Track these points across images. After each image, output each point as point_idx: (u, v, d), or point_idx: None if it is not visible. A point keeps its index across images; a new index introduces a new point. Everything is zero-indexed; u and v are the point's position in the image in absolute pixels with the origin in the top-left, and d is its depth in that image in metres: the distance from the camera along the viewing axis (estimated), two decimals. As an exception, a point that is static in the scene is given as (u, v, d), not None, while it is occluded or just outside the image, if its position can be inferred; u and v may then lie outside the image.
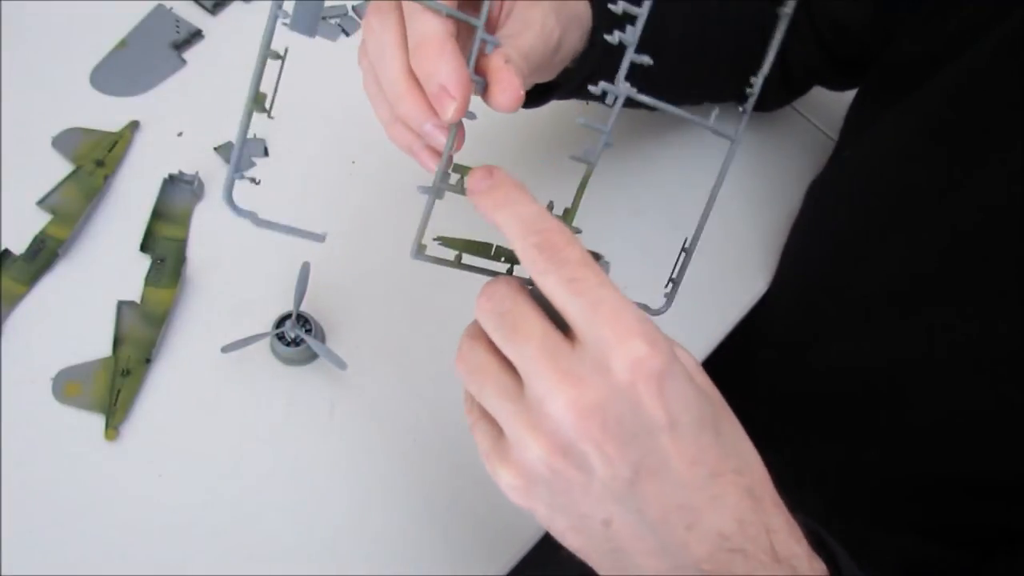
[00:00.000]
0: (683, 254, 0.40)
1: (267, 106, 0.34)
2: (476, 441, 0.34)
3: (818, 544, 0.34)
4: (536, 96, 0.49)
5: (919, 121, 0.51)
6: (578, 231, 0.40)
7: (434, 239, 0.39)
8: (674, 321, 0.62)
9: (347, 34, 0.70)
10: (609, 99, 0.36)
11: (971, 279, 0.47)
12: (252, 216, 0.37)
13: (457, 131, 0.37)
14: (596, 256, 0.36)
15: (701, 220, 0.39)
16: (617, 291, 0.30)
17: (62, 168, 0.61)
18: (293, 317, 0.55)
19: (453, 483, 0.54)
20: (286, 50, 0.35)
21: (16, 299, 0.56)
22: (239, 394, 0.55)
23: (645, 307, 0.40)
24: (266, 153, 0.64)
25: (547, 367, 0.30)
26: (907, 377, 0.51)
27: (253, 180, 0.36)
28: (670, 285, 0.41)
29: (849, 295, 0.56)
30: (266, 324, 0.56)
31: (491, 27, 0.40)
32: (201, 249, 0.60)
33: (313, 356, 0.57)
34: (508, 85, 0.35)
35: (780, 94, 0.68)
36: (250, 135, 0.64)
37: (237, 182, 0.35)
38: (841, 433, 0.58)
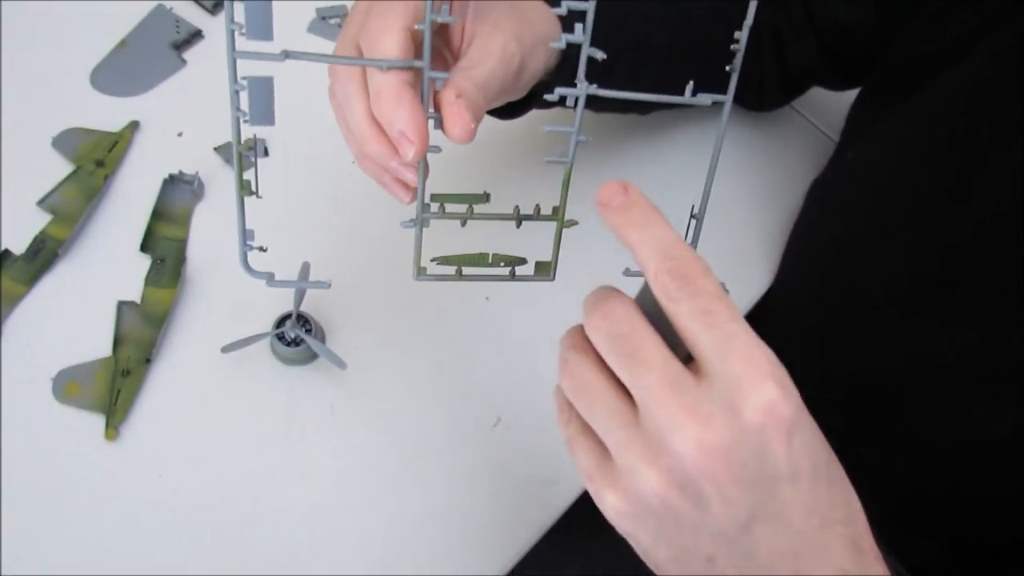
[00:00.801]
0: (692, 220, 0.40)
1: (254, 189, 0.40)
2: (575, 457, 0.33)
3: None
4: (512, 109, 0.50)
5: (923, 123, 0.51)
6: (574, 223, 0.41)
7: (432, 260, 0.41)
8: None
9: (347, 34, 0.70)
10: (569, 101, 0.37)
11: (974, 281, 0.47)
12: (268, 277, 0.42)
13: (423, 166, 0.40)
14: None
15: (707, 183, 0.39)
16: (750, 329, 0.29)
17: (62, 168, 0.61)
18: (293, 317, 0.55)
19: (453, 483, 0.54)
20: (264, 147, 0.38)
21: (16, 299, 0.56)
22: (239, 394, 0.55)
23: None
24: (266, 153, 0.64)
25: (671, 400, 0.29)
26: (911, 379, 0.51)
27: (261, 249, 0.40)
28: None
29: (852, 296, 0.56)
30: (266, 324, 0.56)
31: (454, 54, 0.43)
32: (201, 249, 0.60)
33: (313, 356, 0.57)
34: (458, 119, 0.37)
35: (779, 93, 0.68)
36: (249, 135, 0.64)
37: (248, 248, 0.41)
38: (846, 435, 0.58)
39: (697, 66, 0.60)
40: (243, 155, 0.38)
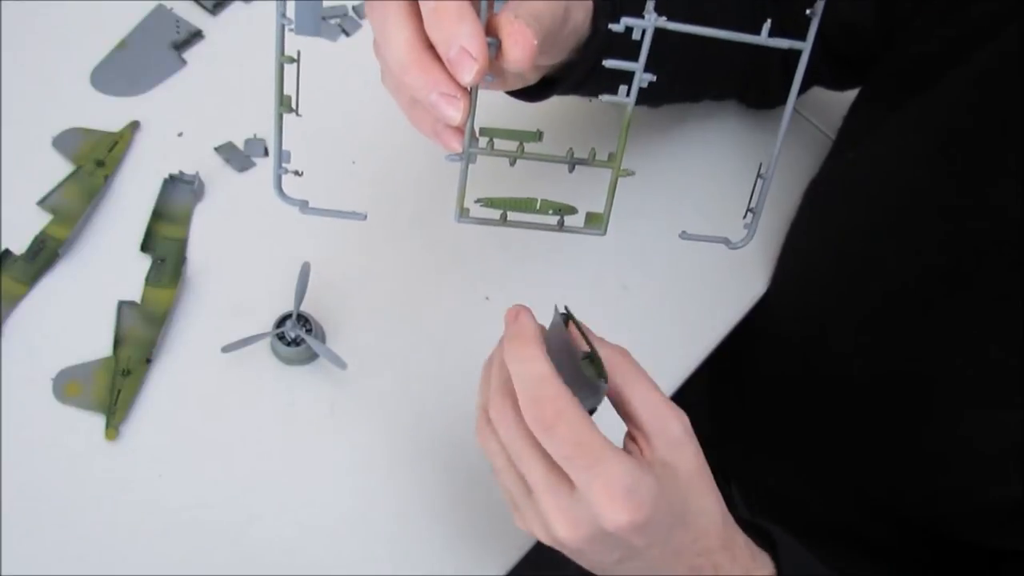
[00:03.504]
0: (759, 180, 0.39)
1: (294, 106, 0.37)
2: (503, 487, 0.41)
3: (765, 539, 0.43)
4: (537, 91, 0.49)
5: (926, 124, 0.51)
6: (631, 173, 0.39)
7: (476, 201, 0.39)
8: (674, 321, 0.62)
9: (347, 34, 0.70)
10: (636, 34, 0.35)
11: (977, 282, 0.47)
12: (302, 204, 0.39)
13: (465, 97, 0.36)
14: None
15: (779, 141, 0.38)
16: (608, 454, 0.36)
17: (62, 168, 0.61)
18: (293, 317, 0.55)
19: (453, 483, 0.54)
20: (299, 53, 0.36)
21: (16, 299, 0.56)
22: (239, 394, 0.55)
23: (726, 240, 0.41)
24: (266, 153, 0.64)
25: (550, 500, 0.37)
26: (910, 380, 0.51)
27: (297, 172, 0.38)
28: (749, 215, 0.40)
29: (850, 296, 0.56)
30: (266, 324, 0.56)
31: None
32: (201, 249, 0.60)
33: (313, 356, 0.57)
34: (520, 38, 0.35)
35: (782, 91, 0.67)
36: (250, 135, 0.64)
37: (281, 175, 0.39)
38: (843, 435, 0.58)
39: (709, 66, 0.60)
40: (281, 145, 0.37)
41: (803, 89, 0.69)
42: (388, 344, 0.58)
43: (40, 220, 0.59)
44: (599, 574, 0.42)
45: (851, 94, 0.63)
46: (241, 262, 0.60)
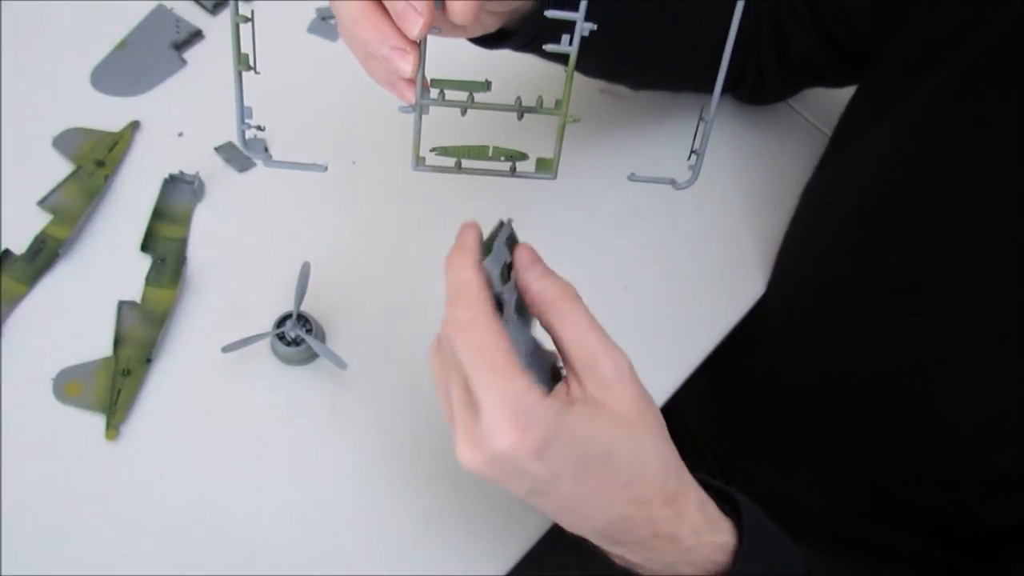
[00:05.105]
0: (701, 123, 0.40)
1: (251, 64, 0.39)
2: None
3: (730, 505, 0.42)
4: (490, 41, 0.50)
5: (917, 114, 0.51)
6: (576, 120, 0.41)
7: (431, 150, 0.40)
8: (674, 321, 0.62)
9: (347, 34, 0.70)
10: None
11: (970, 269, 0.48)
12: (264, 156, 0.41)
13: (414, 50, 0.38)
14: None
15: (717, 85, 0.40)
16: (508, 372, 0.36)
17: (62, 168, 0.61)
18: (293, 317, 0.55)
19: (453, 483, 0.54)
20: (252, 12, 0.39)
21: (16, 299, 0.56)
22: (239, 394, 0.55)
23: (672, 182, 0.43)
24: (266, 151, 0.64)
25: (459, 424, 0.39)
26: (911, 370, 0.51)
27: (259, 128, 0.40)
28: (693, 157, 0.42)
29: (849, 289, 0.56)
30: (266, 324, 0.56)
31: None
32: (201, 249, 0.60)
33: (313, 356, 0.57)
34: None
35: (778, 85, 0.67)
36: (250, 135, 0.64)
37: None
38: (852, 427, 0.58)
39: (679, 54, 0.60)
40: (242, 104, 0.40)
41: (801, 84, 0.69)
42: (388, 344, 0.58)
43: (40, 220, 0.59)
44: (533, 500, 0.41)
45: (850, 92, 0.63)
46: (241, 262, 0.60)
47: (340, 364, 0.54)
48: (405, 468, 0.55)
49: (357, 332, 0.58)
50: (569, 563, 0.66)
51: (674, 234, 0.66)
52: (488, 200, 0.65)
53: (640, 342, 0.62)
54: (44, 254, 0.58)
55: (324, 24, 0.70)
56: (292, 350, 0.55)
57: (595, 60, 0.59)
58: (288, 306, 0.55)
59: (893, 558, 0.59)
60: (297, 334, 0.55)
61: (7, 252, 0.58)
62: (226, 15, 0.70)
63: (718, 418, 0.76)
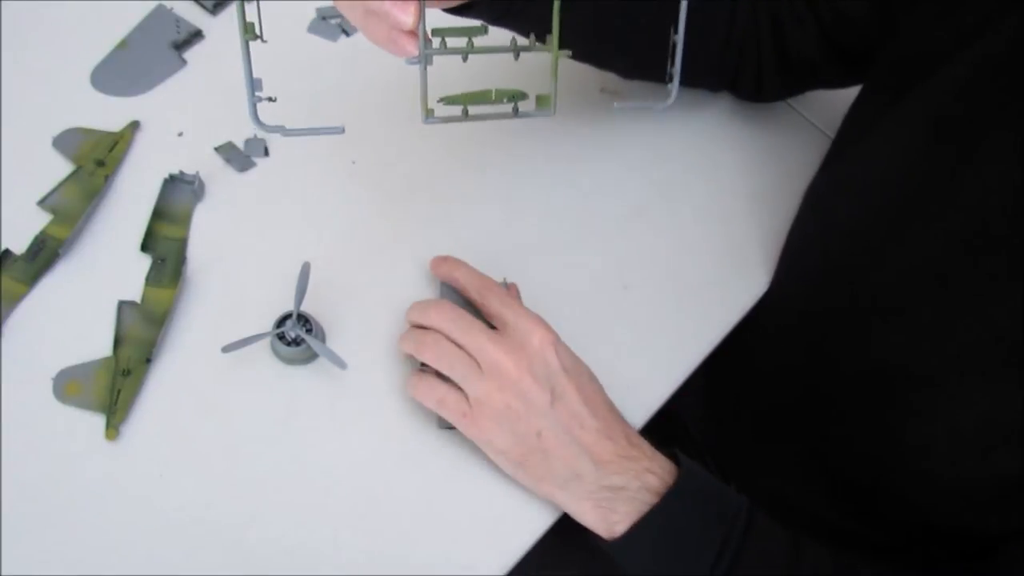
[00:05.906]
0: (673, 47, 0.43)
1: (258, 32, 0.39)
2: (434, 396, 0.53)
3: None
4: (460, 9, 0.51)
5: (923, 114, 0.51)
6: (568, 54, 0.43)
7: (438, 100, 0.43)
8: (674, 321, 0.62)
9: (347, 34, 0.70)
10: None
11: (973, 270, 0.48)
12: (280, 129, 0.42)
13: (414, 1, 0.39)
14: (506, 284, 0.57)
15: (682, 5, 0.42)
16: (523, 306, 0.55)
17: (62, 168, 0.61)
18: (293, 317, 0.55)
19: (453, 483, 0.54)
20: None
21: (16, 299, 0.56)
22: (239, 394, 0.55)
23: (652, 107, 0.46)
24: (266, 153, 0.64)
25: (494, 347, 0.51)
26: (912, 370, 0.51)
27: (271, 99, 0.41)
28: (670, 81, 0.45)
29: (853, 289, 0.55)
30: (266, 324, 0.56)
31: None
32: (201, 249, 0.60)
33: (313, 356, 0.57)
34: None
35: (777, 84, 0.67)
36: (250, 135, 0.64)
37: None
38: (852, 427, 0.58)
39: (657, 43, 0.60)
40: (252, 77, 0.40)
41: (801, 84, 0.69)
42: (388, 344, 0.58)
43: (40, 220, 0.59)
44: (540, 426, 0.50)
45: (851, 93, 0.63)
46: (241, 262, 0.60)
47: (340, 364, 0.54)
48: (405, 468, 0.55)
49: (357, 332, 0.58)
50: (569, 563, 0.66)
51: (674, 234, 0.65)
52: (489, 200, 0.66)
53: (640, 342, 0.63)
54: (44, 254, 0.58)
55: (324, 24, 0.70)
56: (292, 350, 0.55)
57: (577, 32, 0.58)
58: (288, 306, 0.55)
59: (892, 557, 0.59)
60: (297, 334, 0.55)
61: (7, 252, 0.58)
62: (226, 15, 0.70)
63: (716, 419, 0.76)
